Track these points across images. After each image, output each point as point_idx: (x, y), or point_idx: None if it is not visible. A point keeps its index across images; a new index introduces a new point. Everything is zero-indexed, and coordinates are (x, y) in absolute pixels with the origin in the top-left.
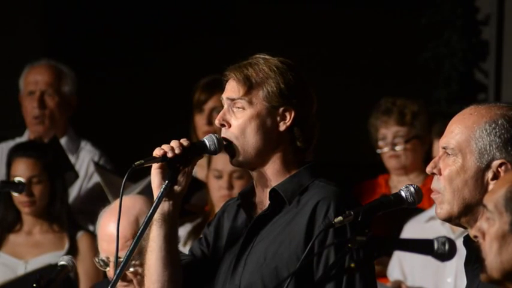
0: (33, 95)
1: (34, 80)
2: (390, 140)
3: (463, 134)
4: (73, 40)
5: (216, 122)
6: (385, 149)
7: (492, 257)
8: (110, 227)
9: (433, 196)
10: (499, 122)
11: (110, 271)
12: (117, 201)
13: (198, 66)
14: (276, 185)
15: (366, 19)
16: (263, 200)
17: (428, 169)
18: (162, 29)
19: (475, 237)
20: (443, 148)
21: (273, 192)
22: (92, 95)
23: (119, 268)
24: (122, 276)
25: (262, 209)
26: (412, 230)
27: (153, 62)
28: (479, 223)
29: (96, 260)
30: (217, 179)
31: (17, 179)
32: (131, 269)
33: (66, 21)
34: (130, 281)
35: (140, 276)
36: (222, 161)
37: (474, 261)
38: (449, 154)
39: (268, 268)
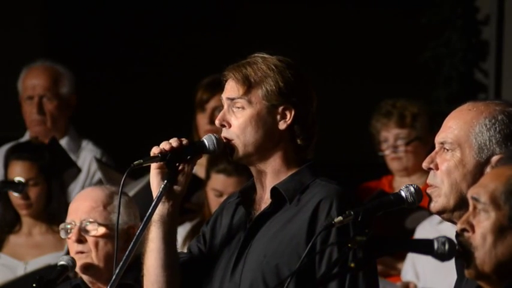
0: (32, 101)
1: (31, 84)
2: (391, 143)
3: (461, 129)
4: (73, 39)
5: (216, 122)
6: (387, 152)
7: (485, 250)
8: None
9: (428, 190)
10: (499, 118)
11: (71, 237)
12: (86, 188)
13: (199, 65)
14: (277, 183)
15: (366, 19)
16: (263, 196)
17: (424, 164)
18: (163, 28)
19: (462, 230)
20: (441, 143)
21: (274, 191)
22: (93, 94)
23: (118, 269)
24: (77, 239)
25: (261, 206)
26: (425, 232)
27: (154, 60)
28: (467, 216)
29: (62, 226)
30: (217, 197)
31: (16, 178)
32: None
33: (66, 20)
34: (85, 242)
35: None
36: (221, 182)
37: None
38: (447, 149)
39: (269, 266)
